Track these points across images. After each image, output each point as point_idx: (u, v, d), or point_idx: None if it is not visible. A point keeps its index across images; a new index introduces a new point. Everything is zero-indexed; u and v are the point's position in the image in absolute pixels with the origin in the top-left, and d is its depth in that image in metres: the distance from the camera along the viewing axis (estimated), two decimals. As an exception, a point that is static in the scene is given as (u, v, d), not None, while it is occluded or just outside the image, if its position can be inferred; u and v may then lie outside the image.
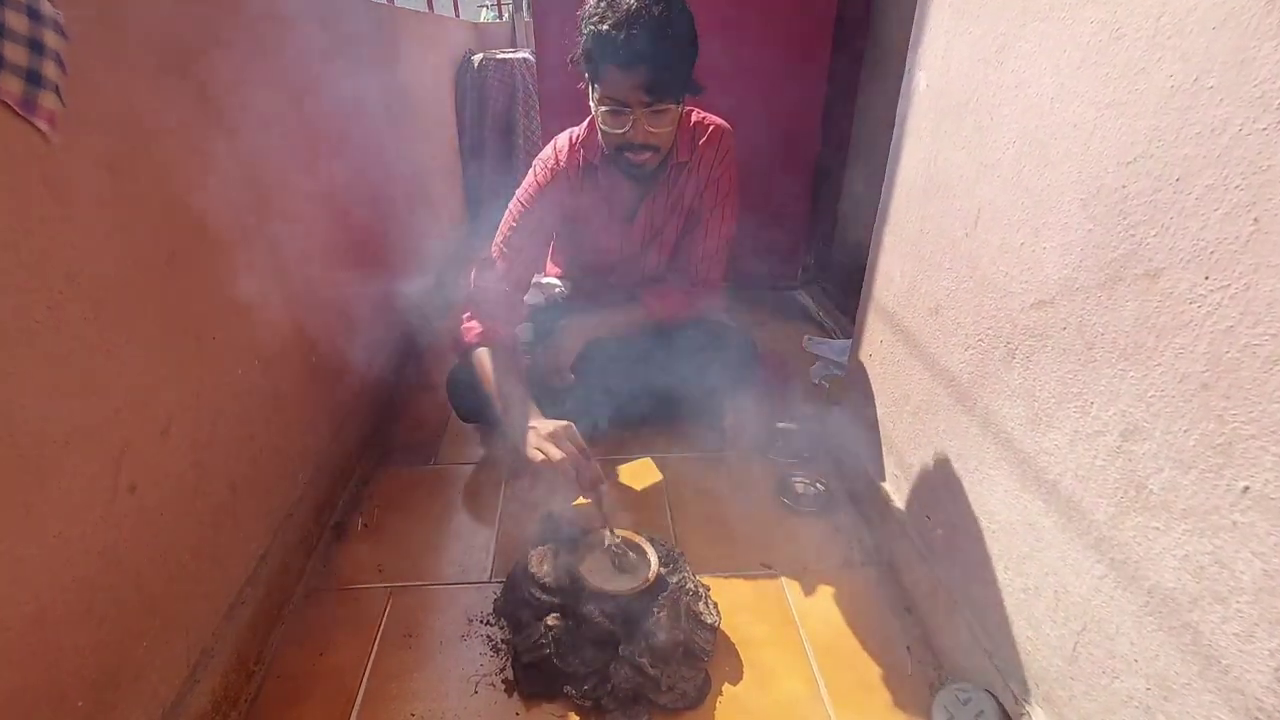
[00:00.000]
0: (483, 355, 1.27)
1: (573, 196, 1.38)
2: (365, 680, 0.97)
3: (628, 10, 1.10)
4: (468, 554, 1.21)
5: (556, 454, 1.06)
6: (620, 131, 1.21)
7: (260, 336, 1.04)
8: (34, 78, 0.59)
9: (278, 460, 1.09)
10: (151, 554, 0.77)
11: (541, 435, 1.09)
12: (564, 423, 1.10)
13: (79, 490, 0.66)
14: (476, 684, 0.96)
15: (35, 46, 0.59)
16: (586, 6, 1.16)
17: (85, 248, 0.67)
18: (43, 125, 0.60)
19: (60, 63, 0.62)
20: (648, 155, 1.25)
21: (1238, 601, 0.54)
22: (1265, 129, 0.50)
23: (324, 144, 1.35)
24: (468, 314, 1.33)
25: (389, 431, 1.59)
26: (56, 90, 0.61)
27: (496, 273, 1.35)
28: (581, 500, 1.07)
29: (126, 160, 0.73)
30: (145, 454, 0.76)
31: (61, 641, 0.64)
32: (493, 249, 1.37)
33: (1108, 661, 0.68)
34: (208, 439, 0.89)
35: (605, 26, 1.11)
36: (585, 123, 1.35)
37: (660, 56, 1.11)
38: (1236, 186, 0.52)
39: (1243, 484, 0.53)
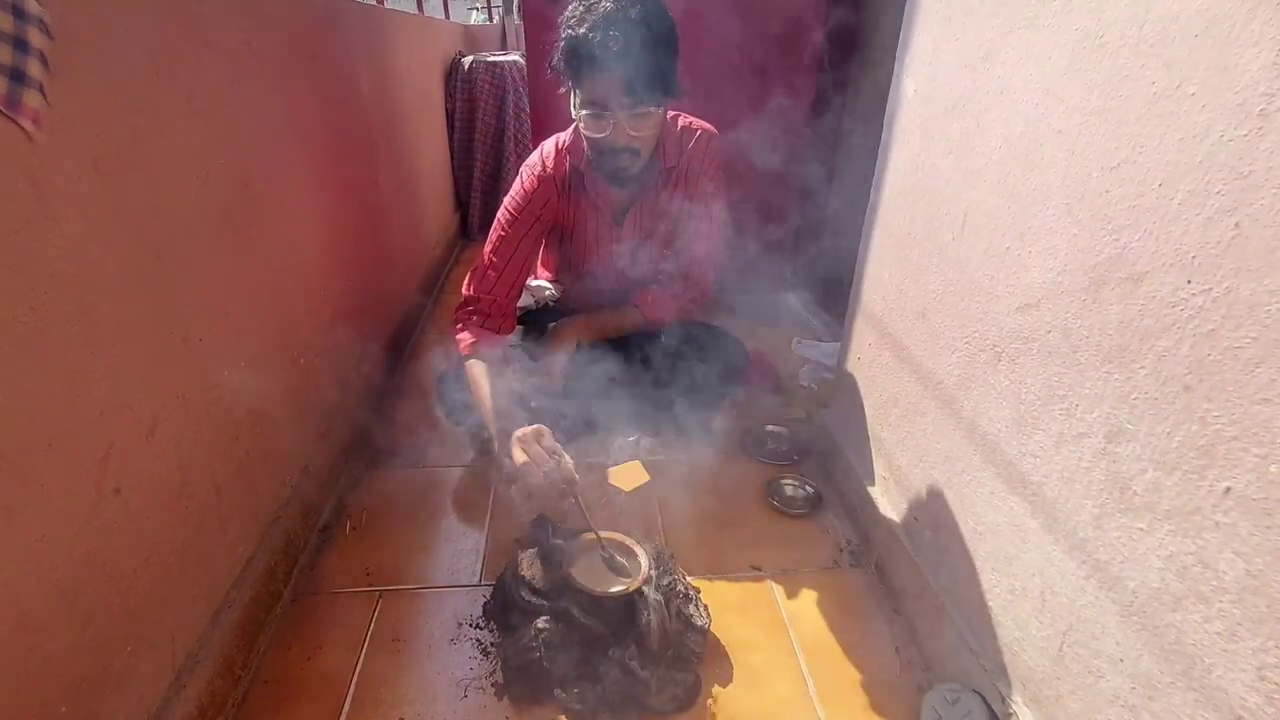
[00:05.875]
0: (473, 368, 1.27)
1: (561, 202, 1.38)
2: (353, 685, 0.96)
3: (605, 13, 1.09)
4: (457, 557, 1.20)
5: (521, 457, 1.02)
6: (602, 136, 1.20)
7: (248, 338, 1.03)
8: (18, 76, 0.58)
9: (265, 463, 1.08)
10: (136, 557, 0.76)
11: (514, 440, 1.06)
12: (535, 426, 1.06)
13: (62, 493, 0.65)
14: (466, 688, 0.96)
15: (19, 45, 0.58)
16: (565, 12, 1.15)
17: (70, 247, 0.66)
18: (27, 124, 0.60)
19: (45, 61, 0.61)
20: (629, 159, 1.25)
21: (1220, 601, 0.55)
22: (1246, 135, 0.51)
23: (313, 144, 1.34)
24: (459, 325, 1.33)
25: (377, 434, 1.57)
26: (41, 89, 0.61)
27: (488, 281, 1.35)
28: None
29: (112, 159, 0.73)
30: (130, 456, 0.75)
31: (44, 646, 0.63)
32: (483, 256, 1.37)
33: (1093, 661, 0.69)
34: (193, 441, 0.88)
35: (583, 30, 1.10)
36: (571, 128, 1.35)
37: (639, 58, 1.11)
38: (1218, 192, 0.53)
39: (1225, 485, 0.54)
